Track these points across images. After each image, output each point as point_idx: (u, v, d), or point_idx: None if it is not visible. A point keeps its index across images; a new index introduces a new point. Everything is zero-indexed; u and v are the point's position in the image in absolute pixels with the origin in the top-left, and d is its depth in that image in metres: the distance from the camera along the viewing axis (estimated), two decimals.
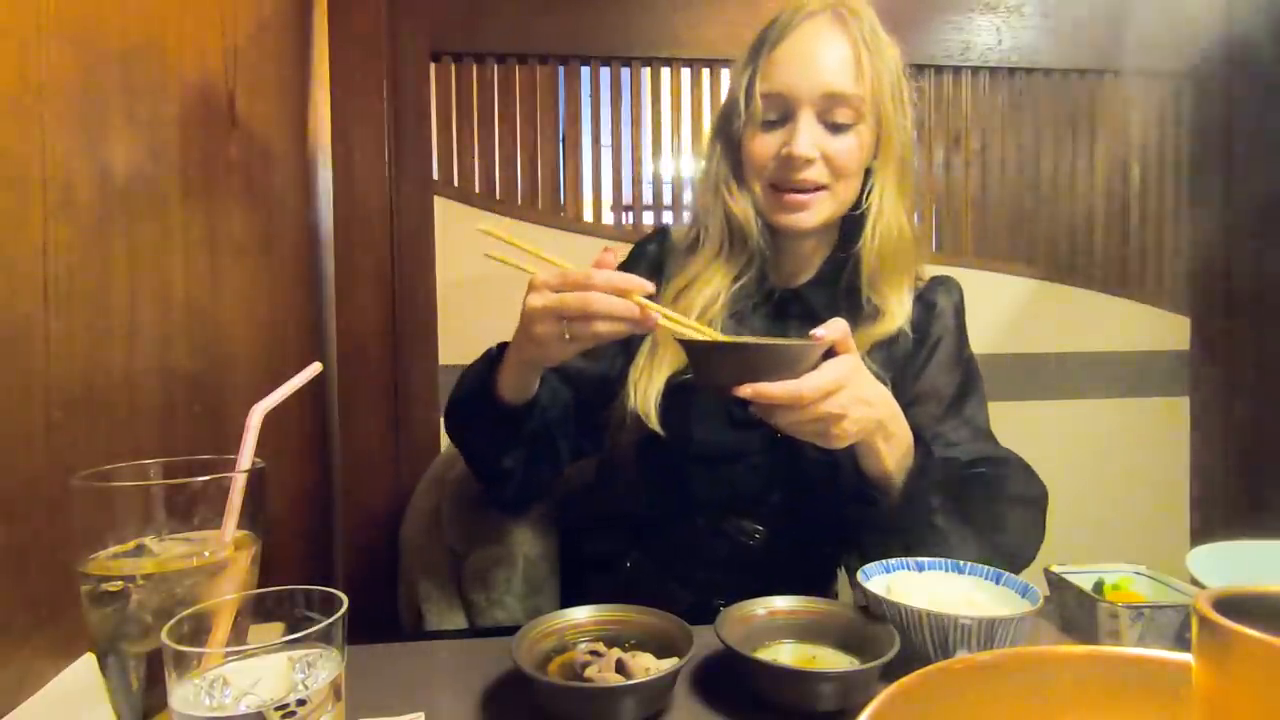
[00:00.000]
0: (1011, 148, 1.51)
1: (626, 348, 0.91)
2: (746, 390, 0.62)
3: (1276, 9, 1.48)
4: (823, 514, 0.84)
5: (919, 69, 1.47)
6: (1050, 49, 1.48)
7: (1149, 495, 1.54)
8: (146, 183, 0.75)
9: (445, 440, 1.35)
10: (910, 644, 0.63)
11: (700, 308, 0.85)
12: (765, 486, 0.87)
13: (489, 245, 0.68)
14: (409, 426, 1.33)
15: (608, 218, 1.44)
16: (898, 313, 0.85)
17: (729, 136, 0.88)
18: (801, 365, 0.64)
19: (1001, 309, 1.50)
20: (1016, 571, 0.77)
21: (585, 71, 1.40)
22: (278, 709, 0.39)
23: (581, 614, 0.67)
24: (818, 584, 0.97)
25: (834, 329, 0.66)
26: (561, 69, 1.39)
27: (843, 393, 0.65)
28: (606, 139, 1.41)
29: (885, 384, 0.75)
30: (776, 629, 0.68)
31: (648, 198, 1.48)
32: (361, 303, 1.32)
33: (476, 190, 1.37)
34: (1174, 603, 0.68)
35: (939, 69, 1.47)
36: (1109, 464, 1.52)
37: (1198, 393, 1.55)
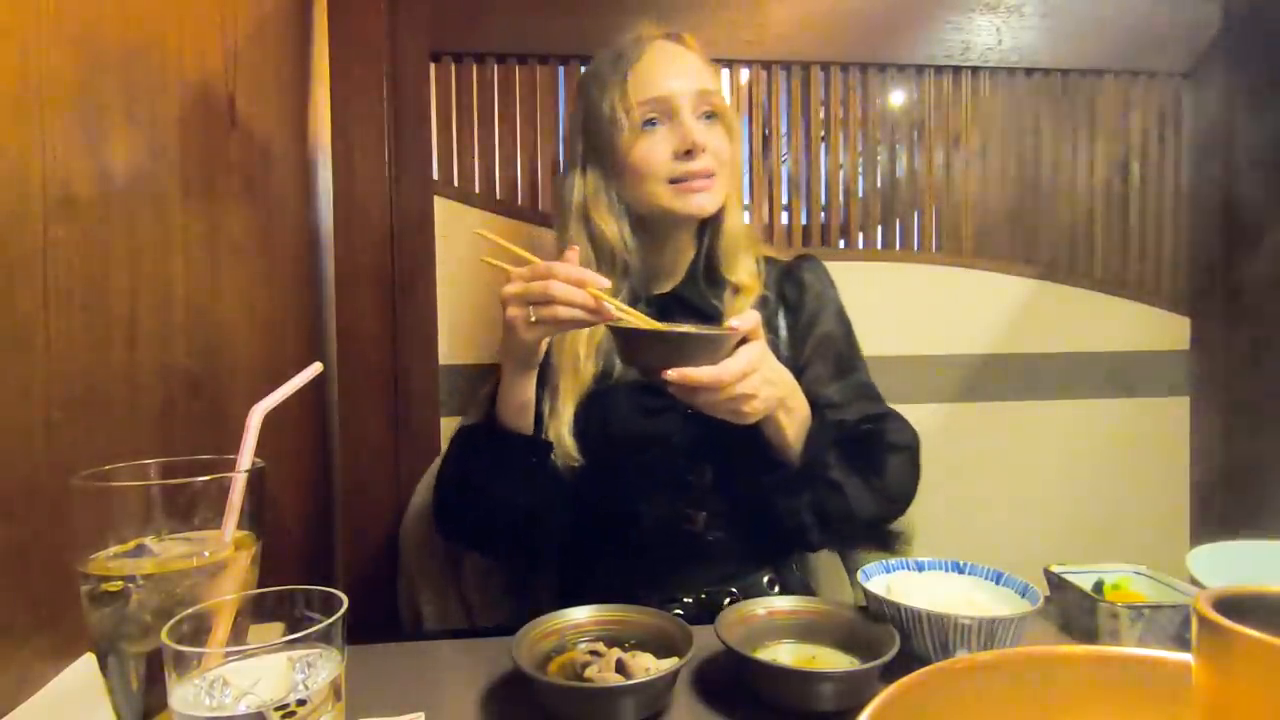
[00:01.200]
0: (1011, 148, 1.50)
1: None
2: (674, 374, 0.69)
3: (1276, 9, 1.48)
4: (745, 488, 0.90)
5: (919, 69, 1.47)
6: (1050, 49, 1.48)
7: (1149, 495, 1.54)
8: (146, 183, 0.75)
9: (445, 441, 1.35)
10: (910, 644, 0.63)
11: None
12: (686, 468, 0.93)
13: (487, 247, 0.74)
14: (409, 426, 1.33)
15: None
16: (753, 283, 0.96)
17: (597, 157, 0.95)
18: (721, 352, 0.71)
19: (1001, 309, 1.49)
20: (900, 514, 0.93)
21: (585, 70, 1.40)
22: (278, 709, 0.39)
23: (581, 614, 0.67)
24: (771, 565, 0.99)
25: (747, 320, 0.74)
26: (561, 69, 1.38)
27: (754, 375, 0.73)
28: None
29: (780, 353, 0.89)
30: (776, 629, 0.68)
31: None
32: (361, 303, 1.31)
33: (476, 190, 1.36)
34: (1174, 603, 0.68)
35: (939, 69, 1.47)
36: (1109, 464, 1.52)
37: (1198, 393, 1.55)
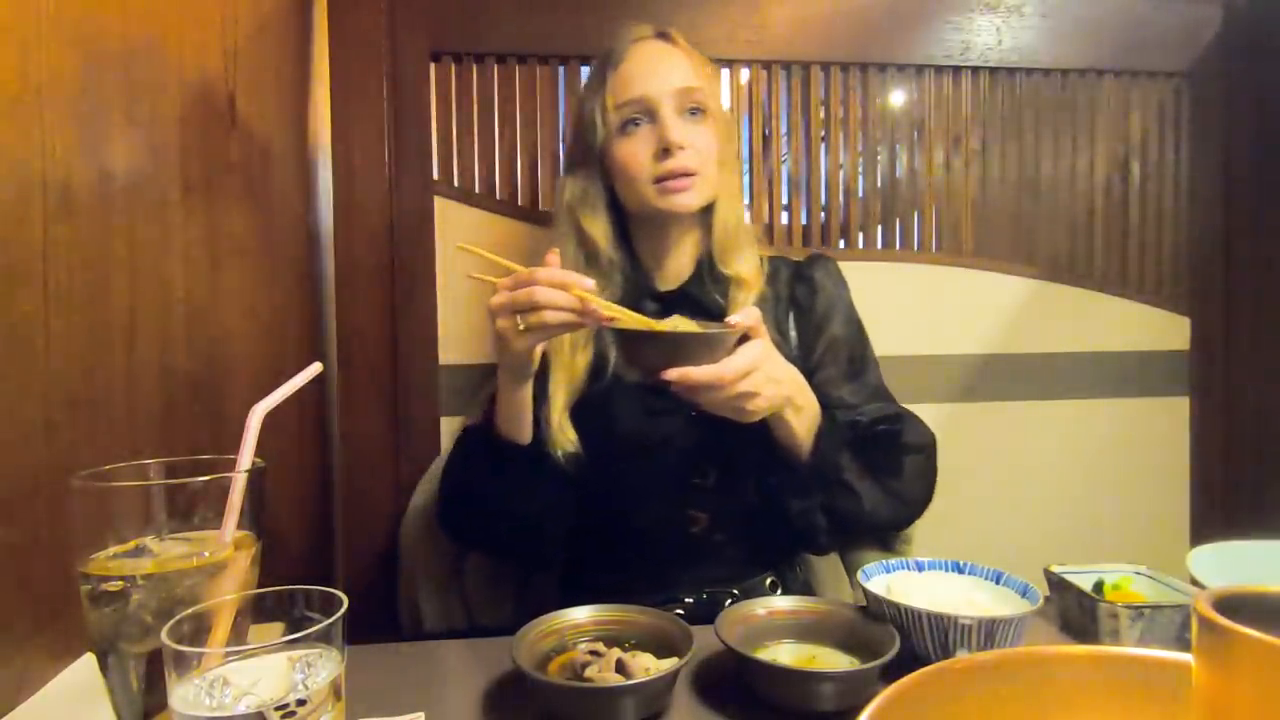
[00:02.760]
0: (1011, 148, 1.50)
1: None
2: (674, 374, 0.68)
3: (1277, 9, 1.48)
4: (752, 490, 0.89)
5: (919, 69, 1.47)
6: (1050, 49, 1.48)
7: (1149, 495, 1.54)
8: (146, 183, 0.75)
9: (445, 440, 1.35)
10: (910, 644, 0.63)
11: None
12: (691, 469, 0.93)
13: (472, 263, 0.74)
14: (409, 426, 1.33)
15: None
16: (753, 279, 0.95)
17: (584, 160, 0.97)
18: (721, 350, 0.70)
19: (1001, 309, 1.49)
20: (916, 517, 0.91)
21: (585, 71, 1.40)
22: (278, 709, 0.39)
23: (581, 614, 0.67)
24: (773, 568, 0.99)
25: (749, 316, 0.74)
26: (562, 69, 1.38)
27: (757, 373, 0.72)
28: None
29: (791, 355, 0.89)
30: (776, 629, 0.68)
31: None
32: (361, 303, 1.31)
33: (476, 190, 1.36)
34: (1174, 603, 0.68)
35: (939, 69, 1.47)
36: (1109, 464, 1.52)
37: (1198, 393, 1.54)
